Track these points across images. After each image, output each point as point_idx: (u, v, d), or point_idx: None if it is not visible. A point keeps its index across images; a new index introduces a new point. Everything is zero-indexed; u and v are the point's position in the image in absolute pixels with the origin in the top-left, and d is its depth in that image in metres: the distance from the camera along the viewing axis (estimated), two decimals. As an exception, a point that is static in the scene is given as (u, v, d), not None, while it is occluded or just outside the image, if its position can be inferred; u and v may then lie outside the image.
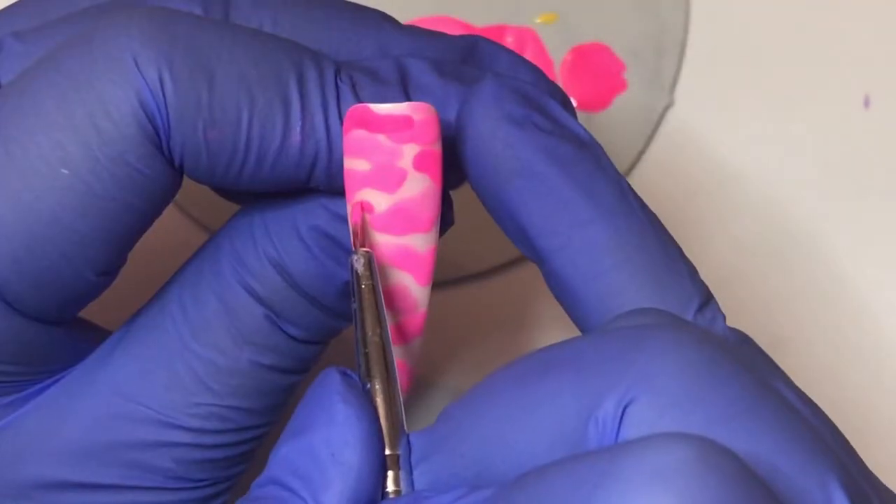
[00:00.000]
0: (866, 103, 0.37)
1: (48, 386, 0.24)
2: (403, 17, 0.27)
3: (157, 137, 0.22)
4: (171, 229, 0.25)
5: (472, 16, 0.37)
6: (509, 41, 0.37)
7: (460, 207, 0.36)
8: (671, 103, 0.37)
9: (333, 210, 0.23)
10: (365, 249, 0.22)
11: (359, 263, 0.22)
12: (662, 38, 0.37)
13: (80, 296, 0.23)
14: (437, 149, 0.22)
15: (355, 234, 0.22)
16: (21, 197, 0.21)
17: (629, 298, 0.22)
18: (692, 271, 0.23)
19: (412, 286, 0.23)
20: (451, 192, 0.25)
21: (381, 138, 0.22)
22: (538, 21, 0.38)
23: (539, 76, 0.25)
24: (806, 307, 0.36)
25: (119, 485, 0.24)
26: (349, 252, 0.23)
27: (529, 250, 0.23)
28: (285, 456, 0.20)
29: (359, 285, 0.22)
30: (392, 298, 0.23)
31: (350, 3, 0.26)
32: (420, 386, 0.35)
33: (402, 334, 0.24)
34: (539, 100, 0.23)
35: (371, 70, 0.23)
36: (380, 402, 0.21)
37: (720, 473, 0.16)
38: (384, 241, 0.23)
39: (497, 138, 0.23)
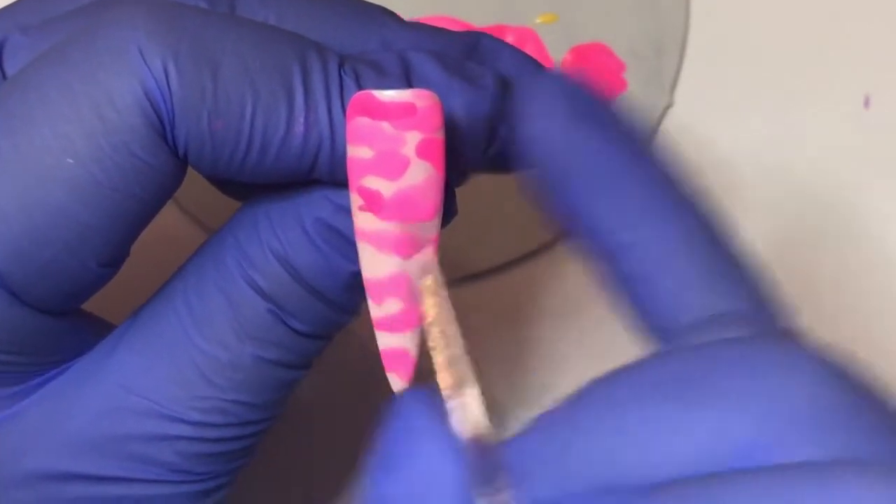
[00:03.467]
0: (866, 103, 0.37)
1: (52, 378, 0.24)
2: (403, 17, 0.27)
3: (162, 128, 0.22)
4: (171, 228, 0.25)
5: (472, 16, 0.37)
6: (509, 41, 0.37)
7: (464, 207, 0.37)
8: (671, 103, 0.37)
9: (338, 202, 0.23)
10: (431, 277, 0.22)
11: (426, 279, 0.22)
12: (662, 38, 0.38)
13: (84, 286, 0.23)
14: (440, 137, 0.22)
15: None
16: (26, 188, 0.21)
17: (701, 296, 0.21)
18: (756, 267, 0.22)
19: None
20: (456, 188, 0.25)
21: (385, 125, 0.22)
22: (538, 21, 0.38)
23: (539, 71, 0.25)
24: (806, 306, 0.36)
25: (121, 477, 0.24)
26: (354, 245, 0.23)
27: (598, 247, 0.23)
28: (381, 497, 0.20)
29: (428, 301, 0.22)
30: (394, 287, 0.23)
31: None
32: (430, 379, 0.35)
33: (405, 323, 0.24)
34: (597, 95, 0.23)
35: (375, 63, 0.23)
36: (468, 419, 0.20)
37: None
38: (387, 229, 0.23)
39: (563, 135, 0.22)
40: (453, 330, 0.22)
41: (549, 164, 0.22)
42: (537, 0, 0.38)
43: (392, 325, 0.23)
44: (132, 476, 0.24)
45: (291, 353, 0.25)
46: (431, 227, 0.23)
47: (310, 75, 0.22)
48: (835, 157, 0.36)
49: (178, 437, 0.24)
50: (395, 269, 0.23)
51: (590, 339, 0.36)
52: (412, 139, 0.22)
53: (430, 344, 0.22)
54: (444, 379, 0.21)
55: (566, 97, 0.22)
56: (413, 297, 0.23)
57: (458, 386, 0.21)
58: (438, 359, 0.21)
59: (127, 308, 0.25)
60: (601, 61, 0.38)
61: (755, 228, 0.36)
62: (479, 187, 0.37)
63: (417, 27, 0.25)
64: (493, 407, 0.20)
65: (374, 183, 0.22)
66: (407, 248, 0.23)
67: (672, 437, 0.18)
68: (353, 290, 0.24)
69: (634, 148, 0.22)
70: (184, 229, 0.34)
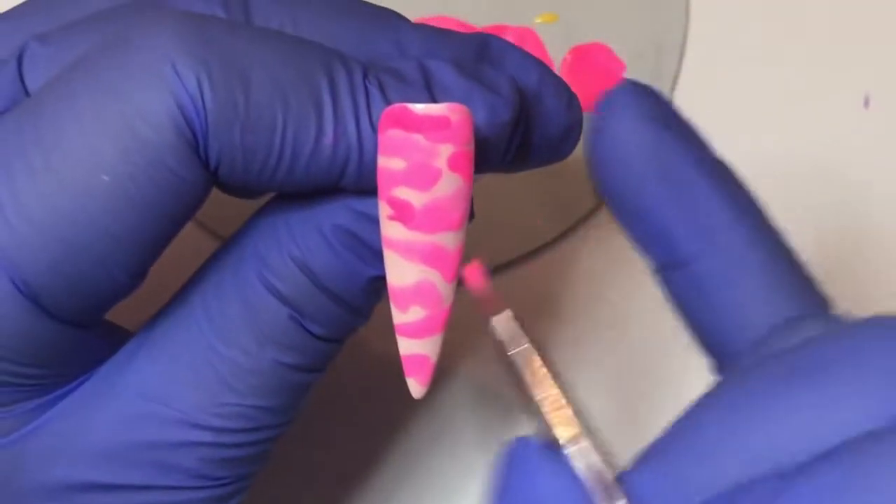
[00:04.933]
0: (866, 103, 0.37)
1: (73, 388, 0.25)
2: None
3: (195, 142, 0.22)
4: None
5: (472, 16, 0.37)
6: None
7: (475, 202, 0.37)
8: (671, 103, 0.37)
9: (357, 208, 0.24)
10: (507, 312, 0.22)
11: (501, 332, 0.22)
12: (662, 38, 0.38)
13: (112, 298, 0.23)
14: (470, 149, 0.23)
15: (484, 301, 0.23)
16: (59, 204, 0.22)
17: (771, 303, 0.22)
18: (816, 278, 0.23)
19: (439, 283, 0.24)
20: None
21: (418, 138, 0.22)
22: (538, 21, 0.38)
23: (545, 72, 0.25)
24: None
25: (144, 485, 0.24)
26: (373, 251, 0.24)
27: (667, 254, 0.23)
28: None
29: (511, 352, 0.22)
30: (419, 295, 0.23)
31: (366, 3, 0.26)
32: (441, 376, 0.35)
33: (427, 330, 0.24)
34: (669, 104, 0.23)
35: (396, 71, 0.23)
36: (586, 464, 0.20)
37: None
38: (415, 239, 0.23)
39: (645, 142, 0.22)
40: (553, 378, 0.21)
41: (632, 168, 0.22)
42: (537, 0, 0.38)
43: (415, 331, 0.24)
44: (154, 483, 0.24)
45: (309, 356, 0.25)
46: (458, 237, 0.23)
47: (337, 87, 0.22)
48: (834, 157, 0.36)
49: (200, 444, 0.24)
50: (421, 277, 0.23)
51: (586, 340, 0.36)
52: (445, 152, 0.22)
53: (545, 407, 0.21)
54: (560, 433, 0.21)
55: (651, 104, 0.23)
56: (436, 305, 0.24)
57: (575, 438, 0.21)
58: (553, 416, 0.21)
59: (130, 308, 0.25)
60: (601, 61, 0.38)
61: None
62: (479, 187, 0.37)
63: (427, 30, 0.25)
64: (608, 454, 0.21)
65: (404, 194, 0.22)
66: (433, 257, 0.23)
67: (787, 433, 0.19)
68: (371, 293, 0.25)
69: (712, 159, 0.23)
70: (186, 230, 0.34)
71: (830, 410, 0.19)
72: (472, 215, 0.25)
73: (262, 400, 0.24)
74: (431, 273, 0.23)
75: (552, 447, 0.21)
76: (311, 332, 0.24)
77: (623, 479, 0.20)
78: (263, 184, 0.23)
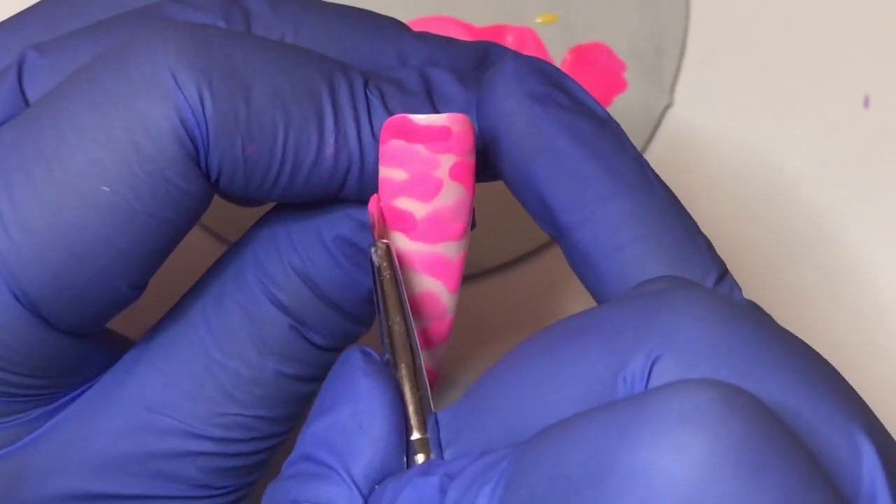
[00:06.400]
0: (866, 103, 0.37)
1: (74, 398, 0.25)
2: (404, 18, 0.27)
3: (196, 153, 0.22)
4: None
5: (472, 16, 0.37)
6: (509, 41, 0.37)
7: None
8: (671, 103, 0.37)
9: (358, 219, 0.24)
10: (383, 241, 0.23)
11: (376, 255, 0.22)
12: (662, 38, 0.37)
13: (113, 308, 0.23)
14: (471, 159, 0.23)
15: (373, 226, 0.23)
16: (60, 215, 0.22)
17: (650, 271, 0.22)
18: (709, 245, 0.23)
19: (442, 293, 0.24)
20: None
21: (420, 148, 0.22)
22: (538, 21, 0.38)
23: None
24: (804, 306, 0.36)
25: (145, 495, 0.24)
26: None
27: (551, 226, 0.24)
28: (314, 432, 0.21)
29: (379, 276, 0.22)
30: (422, 305, 0.24)
31: (366, 11, 0.26)
32: (440, 385, 0.35)
33: (430, 340, 0.24)
34: (559, 78, 0.24)
35: (397, 81, 0.23)
36: (406, 387, 0.21)
37: (744, 412, 0.17)
38: (417, 249, 0.23)
39: (520, 115, 0.23)
40: (401, 306, 0.22)
41: (512, 142, 0.23)
42: (537, 0, 0.38)
43: (419, 342, 0.24)
44: (155, 493, 0.24)
45: (310, 366, 0.25)
46: (460, 247, 0.23)
47: (338, 97, 0.22)
48: (834, 158, 0.36)
49: (201, 454, 0.24)
50: (423, 287, 0.23)
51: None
52: (446, 162, 0.22)
53: (378, 317, 0.23)
54: (398, 357, 0.22)
55: (533, 79, 0.23)
56: (439, 315, 0.24)
57: (401, 359, 0.22)
58: (385, 333, 0.22)
59: (131, 313, 0.25)
60: (601, 61, 0.37)
61: (753, 228, 0.36)
62: (478, 187, 0.37)
63: (429, 38, 0.26)
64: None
65: (406, 204, 0.23)
66: (435, 267, 0.23)
67: (563, 383, 0.19)
68: (372, 302, 0.25)
69: (595, 130, 0.23)
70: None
71: (566, 378, 0.19)
72: (473, 225, 0.25)
73: (264, 410, 0.24)
74: (434, 283, 0.23)
75: (382, 361, 0.22)
76: (312, 342, 0.25)
77: (436, 415, 0.21)
78: (264, 194, 0.23)
